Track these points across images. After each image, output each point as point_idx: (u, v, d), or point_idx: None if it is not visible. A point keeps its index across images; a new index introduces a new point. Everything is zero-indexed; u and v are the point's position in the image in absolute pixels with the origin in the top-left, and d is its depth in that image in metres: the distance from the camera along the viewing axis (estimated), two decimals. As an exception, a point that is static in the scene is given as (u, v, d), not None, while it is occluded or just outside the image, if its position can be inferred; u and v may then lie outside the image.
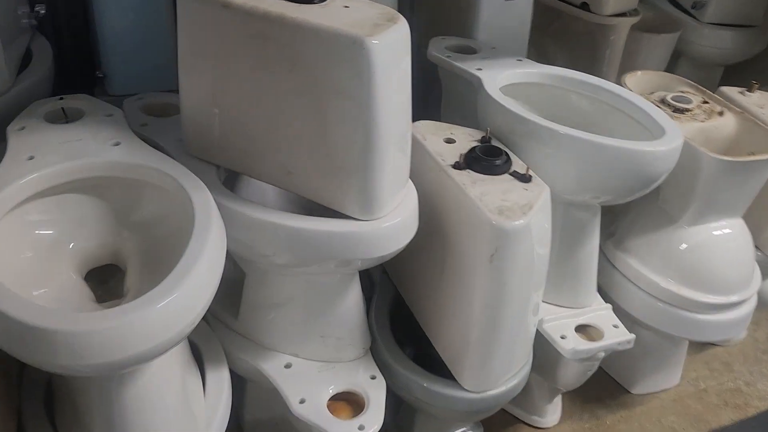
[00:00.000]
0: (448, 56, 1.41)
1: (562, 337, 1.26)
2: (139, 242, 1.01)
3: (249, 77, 0.94)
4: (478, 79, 1.29)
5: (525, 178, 1.08)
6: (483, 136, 1.19)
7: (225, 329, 1.21)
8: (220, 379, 1.11)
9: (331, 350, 1.16)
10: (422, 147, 1.15)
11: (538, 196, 1.05)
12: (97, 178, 0.98)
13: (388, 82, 0.88)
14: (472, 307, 1.07)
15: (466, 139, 1.19)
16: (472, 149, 1.13)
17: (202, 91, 1.01)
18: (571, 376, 1.30)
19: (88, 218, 1.00)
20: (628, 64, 1.81)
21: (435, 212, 1.11)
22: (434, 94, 1.53)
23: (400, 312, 1.31)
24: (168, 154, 1.09)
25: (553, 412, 1.47)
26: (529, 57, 1.52)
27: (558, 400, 1.47)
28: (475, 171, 1.09)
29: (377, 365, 1.19)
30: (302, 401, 1.09)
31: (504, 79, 1.32)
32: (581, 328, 1.31)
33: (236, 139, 1.01)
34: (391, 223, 0.98)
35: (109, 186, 1.00)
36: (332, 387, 1.12)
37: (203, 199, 0.91)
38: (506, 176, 1.10)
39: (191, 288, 0.80)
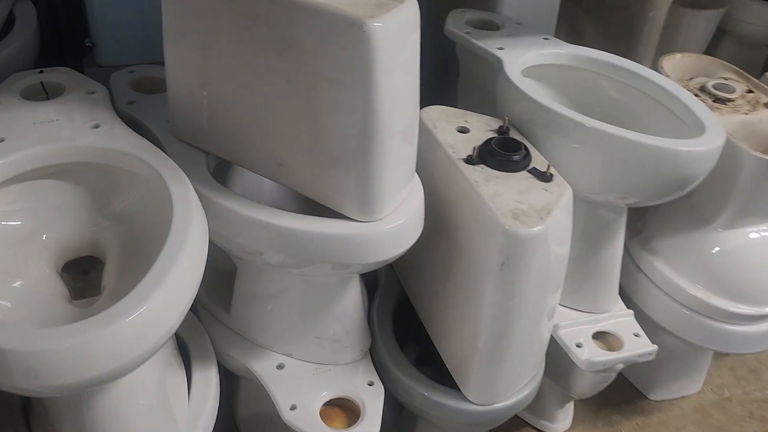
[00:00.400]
0: (467, 32, 1.29)
1: (578, 346, 1.17)
2: (119, 234, 0.93)
3: (237, 59, 0.84)
4: (499, 60, 1.17)
5: (545, 177, 0.98)
6: (500, 126, 1.08)
7: (216, 323, 1.13)
8: (207, 379, 1.03)
9: (327, 352, 1.08)
10: (432, 136, 1.05)
11: (559, 199, 0.94)
12: (73, 164, 0.90)
13: (391, 69, 0.78)
14: (480, 316, 0.98)
15: (482, 128, 1.08)
16: (488, 141, 1.02)
17: (189, 71, 0.91)
18: (586, 385, 1.21)
19: (62, 207, 0.91)
20: (666, 43, 1.67)
21: (443, 210, 1.01)
22: (452, 73, 1.41)
23: (406, 306, 1.23)
24: (154, 138, 1.01)
25: (564, 418, 1.38)
26: (558, 33, 1.39)
27: (570, 405, 1.39)
28: (489, 167, 0.99)
29: (376, 369, 1.11)
30: (293, 407, 1.01)
31: (527, 60, 1.20)
32: (599, 336, 1.21)
33: (225, 125, 0.92)
34: (392, 225, 0.88)
35: (86, 172, 0.91)
36: (326, 392, 1.04)
37: (183, 193, 0.82)
38: (524, 174, 0.99)
39: (163, 299, 0.72)
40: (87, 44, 1.22)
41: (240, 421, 1.28)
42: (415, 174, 0.95)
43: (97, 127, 0.92)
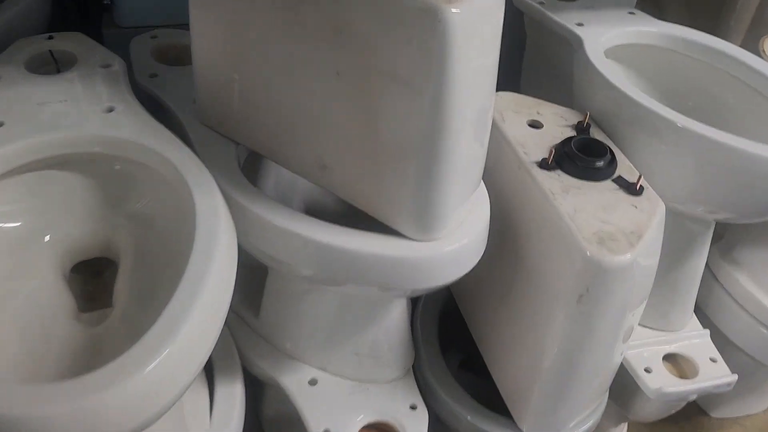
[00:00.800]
0: (541, 2, 1.11)
1: (647, 371, 1.04)
2: (135, 236, 0.81)
3: (276, 40, 0.70)
4: (578, 39, 1.00)
5: (634, 190, 0.82)
6: (579, 122, 0.92)
7: (244, 327, 1.02)
8: (232, 394, 0.92)
9: (366, 369, 0.96)
10: (500, 131, 0.89)
11: (650, 219, 0.79)
12: (81, 155, 0.77)
13: (469, 64, 0.62)
14: (545, 347, 0.84)
15: (557, 122, 0.92)
16: (566, 141, 0.87)
17: (219, 48, 0.77)
18: (650, 413, 1.09)
19: (69, 202, 0.79)
20: (755, 19, 1.46)
21: (509, 222, 0.87)
22: (515, 49, 1.24)
23: (450, 308, 1.11)
24: (177, 122, 0.87)
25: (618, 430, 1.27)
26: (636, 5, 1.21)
27: (624, 423, 1.26)
28: (567, 173, 0.84)
29: (419, 385, 0.99)
30: (326, 432, 0.90)
31: (610, 39, 1.03)
32: (670, 358, 1.08)
33: (259, 116, 0.78)
34: (453, 247, 0.74)
35: (97, 163, 0.78)
36: (363, 416, 0.93)
37: (210, 205, 0.68)
38: (609, 184, 0.84)
39: (185, 342, 0.59)
40: (105, 2, 1.07)
41: (265, 420, 1.18)
42: (481, 181, 0.80)
43: (110, 110, 0.79)
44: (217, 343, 0.98)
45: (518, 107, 0.94)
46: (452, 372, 1.11)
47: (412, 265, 0.73)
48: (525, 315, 0.87)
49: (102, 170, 0.79)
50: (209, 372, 0.95)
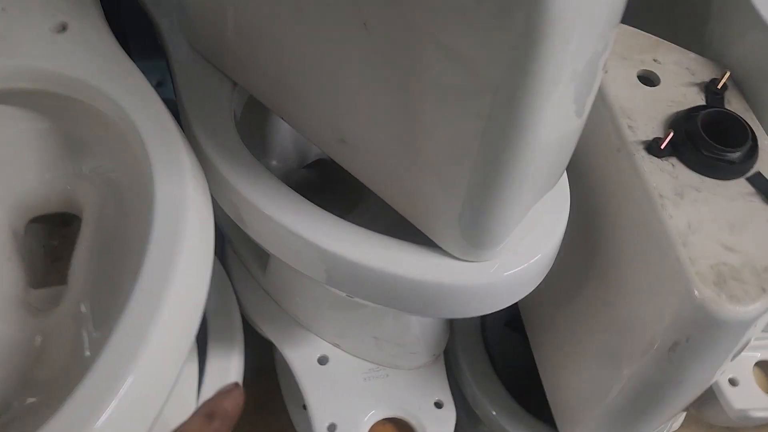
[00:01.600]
0: None
1: (732, 383, 0.85)
2: (100, 195, 0.62)
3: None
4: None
5: (777, 198, 0.58)
6: (712, 81, 0.65)
7: (249, 279, 0.86)
8: (226, 368, 0.78)
9: (387, 355, 0.80)
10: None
11: (796, 248, 0.56)
12: (21, 91, 0.57)
13: (567, 53, 0.38)
14: (614, 383, 0.65)
15: (680, 78, 0.66)
16: (691, 114, 0.61)
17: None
18: (723, 422, 0.91)
19: (12, 147, 0.60)
20: None
21: (593, 220, 0.65)
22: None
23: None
24: (161, 43, 0.65)
25: (675, 419, 1.10)
26: None
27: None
28: (685, 164, 0.60)
29: (448, 365, 0.83)
30: (332, 427, 0.76)
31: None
32: (763, 366, 0.88)
33: (258, 59, 0.55)
34: (512, 271, 0.53)
35: (46, 102, 0.59)
36: (375, 411, 0.78)
37: (172, 200, 0.49)
38: (742, 184, 0.59)
39: (136, 393, 0.43)
40: None
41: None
42: (564, 172, 0.58)
43: (63, 29, 0.58)
44: (215, 301, 0.83)
45: (629, 49, 0.67)
46: (497, 332, 0.95)
47: (451, 293, 0.53)
48: (595, 338, 0.67)
49: (54, 110, 0.59)
50: (203, 328, 0.80)
